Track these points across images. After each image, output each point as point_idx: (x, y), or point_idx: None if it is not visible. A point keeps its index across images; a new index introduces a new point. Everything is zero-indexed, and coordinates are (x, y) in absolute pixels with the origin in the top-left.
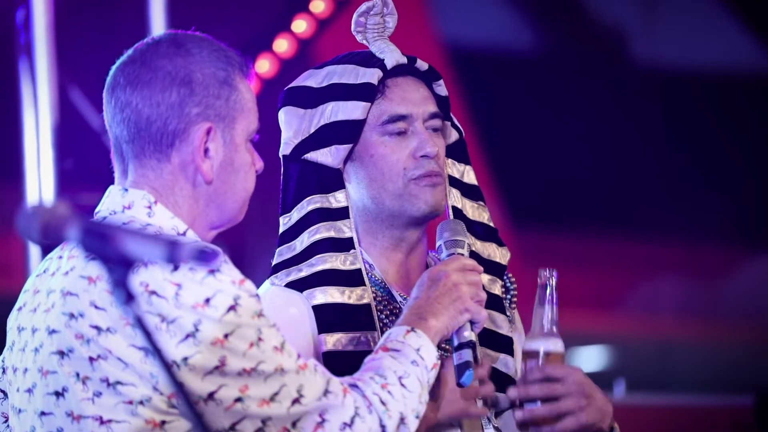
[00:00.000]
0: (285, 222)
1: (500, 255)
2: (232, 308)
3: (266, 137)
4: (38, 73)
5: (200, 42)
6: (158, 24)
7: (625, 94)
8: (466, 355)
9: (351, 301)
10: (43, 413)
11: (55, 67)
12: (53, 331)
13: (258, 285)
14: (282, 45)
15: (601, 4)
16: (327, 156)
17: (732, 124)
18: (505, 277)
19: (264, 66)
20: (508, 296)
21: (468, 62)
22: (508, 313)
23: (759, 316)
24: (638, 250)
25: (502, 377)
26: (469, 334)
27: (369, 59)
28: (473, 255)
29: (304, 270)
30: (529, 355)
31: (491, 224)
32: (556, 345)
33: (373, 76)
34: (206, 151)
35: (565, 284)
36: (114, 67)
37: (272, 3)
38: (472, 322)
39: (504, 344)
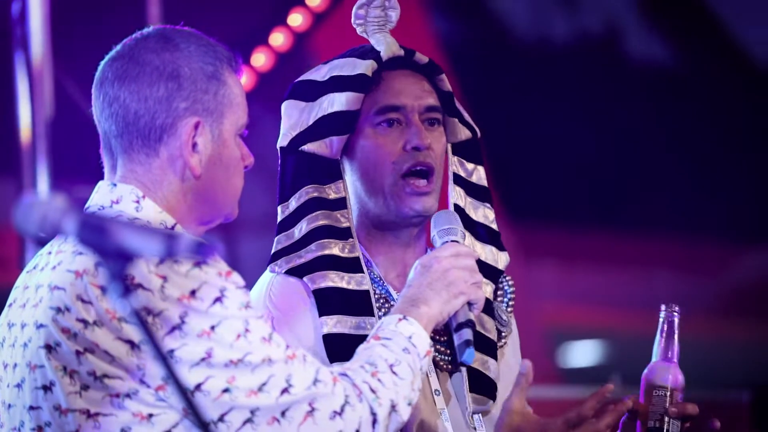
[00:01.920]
0: (283, 210)
1: (498, 259)
2: (218, 300)
3: (263, 130)
4: (34, 66)
5: (188, 37)
6: (154, 17)
7: (621, 90)
8: (466, 334)
9: (350, 287)
10: (31, 407)
11: (50, 60)
12: (41, 326)
13: (246, 277)
14: (278, 38)
15: None
16: (323, 147)
17: (727, 121)
18: (503, 280)
19: (260, 59)
20: (506, 299)
21: (462, 56)
22: (505, 317)
23: (755, 312)
24: (634, 246)
25: (485, 379)
26: (467, 314)
27: (367, 52)
28: None
29: (304, 256)
30: (660, 387)
31: (494, 227)
32: (681, 375)
33: (367, 67)
34: (194, 145)
35: (560, 280)
36: (102, 63)
37: None
38: (470, 304)
39: (489, 347)
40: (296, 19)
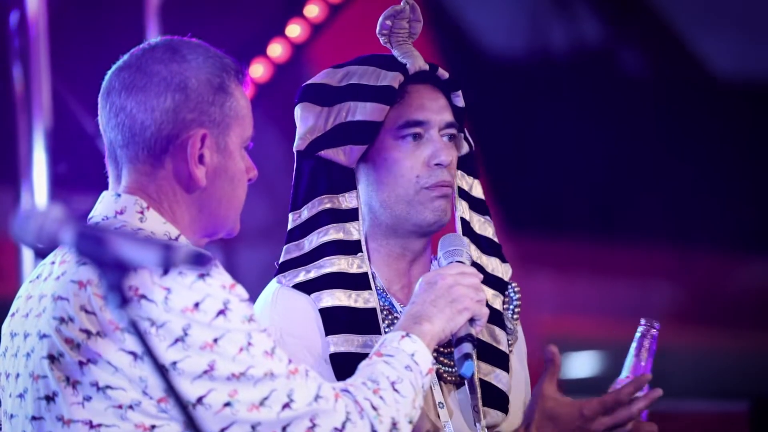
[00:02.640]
0: (295, 219)
1: (503, 271)
2: (221, 313)
3: (261, 141)
4: (32, 77)
5: (196, 48)
6: (152, 28)
7: (616, 100)
8: (466, 347)
9: (357, 305)
10: (33, 418)
11: (48, 70)
12: (44, 336)
13: (249, 288)
14: (276, 50)
15: (594, 8)
16: (341, 155)
17: (723, 131)
18: (509, 288)
19: (258, 71)
20: (511, 307)
21: (462, 67)
22: (510, 325)
23: (752, 322)
24: (630, 256)
25: (495, 392)
26: (468, 329)
27: (391, 63)
28: (476, 267)
29: (312, 272)
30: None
31: (495, 239)
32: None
33: (394, 79)
34: (200, 157)
35: (558, 290)
36: (110, 72)
37: (266, 7)
38: (473, 320)
39: (500, 359)
40: (294, 30)
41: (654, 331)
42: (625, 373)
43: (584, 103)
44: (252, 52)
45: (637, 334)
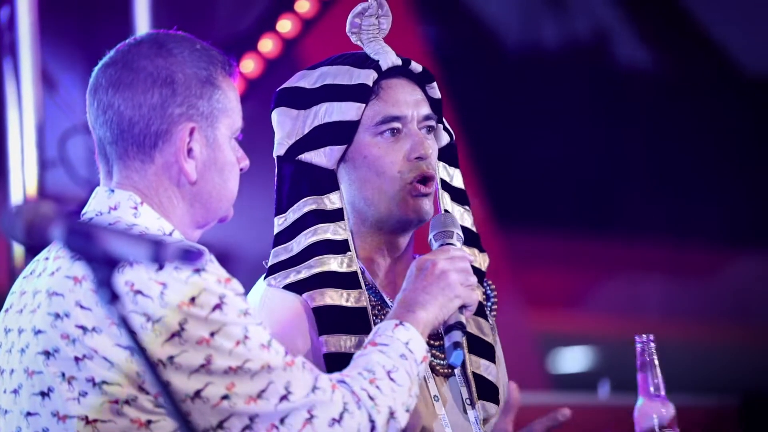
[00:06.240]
0: (280, 223)
1: (480, 260)
2: (217, 307)
3: (252, 136)
4: (22, 72)
5: (182, 42)
6: (142, 23)
7: (609, 94)
8: (456, 336)
9: (349, 304)
10: (29, 413)
11: (39, 66)
12: (39, 332)
13: (244, 283)
14: (267, 45)
15: (586, 2)
16: (321, 157)
17: (717, 125)
18: (485, 284)
19: (249, 66)
20: (489, 304)
21: (452, 62)
22: (490, 321)
23: (745, 317)
24: (623, 251)
25: (486, 384)
26: (458, 317)
27: (363, 60)
28: None
29: (303, 272)
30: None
31: (474, 229)
32: (669, 409)
33: (368, 77)
34: (189, 151)
35: (550, 284)
36: (96, 69)
37: (257, 3)
38: (463, 306)
39: (487, 351)
40: (285, 26)
41: (650, 346)
42: (639, 396)
43: (579, 99)
44: (243, 47)
45: (636, 352)
